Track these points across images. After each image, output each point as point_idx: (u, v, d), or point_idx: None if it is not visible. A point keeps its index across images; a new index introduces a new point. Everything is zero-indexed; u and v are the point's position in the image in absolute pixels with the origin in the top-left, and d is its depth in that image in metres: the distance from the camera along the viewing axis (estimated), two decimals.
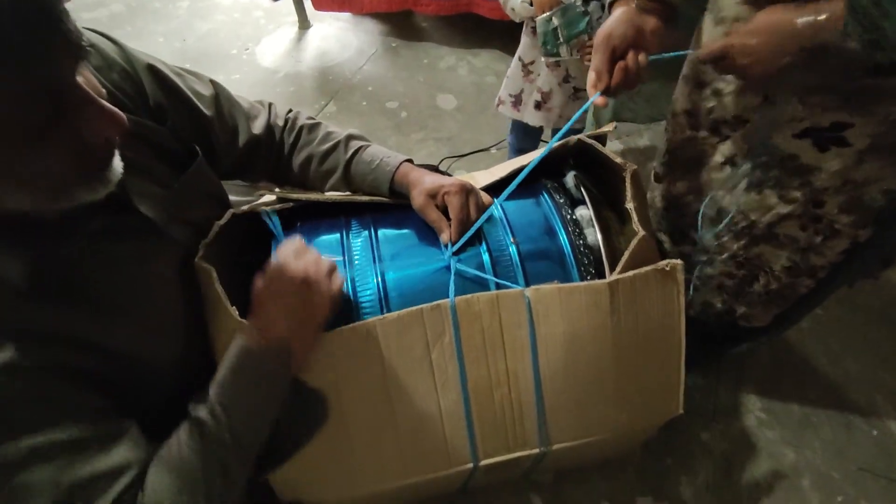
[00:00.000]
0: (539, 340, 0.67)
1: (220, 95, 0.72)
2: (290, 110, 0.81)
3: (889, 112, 0.62)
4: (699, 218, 0.84)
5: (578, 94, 1.27)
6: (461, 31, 2.18)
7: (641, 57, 0.68)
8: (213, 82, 0.73)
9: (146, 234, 0.58)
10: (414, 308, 0.64)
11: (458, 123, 1.89)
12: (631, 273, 0.66)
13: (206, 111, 0.68)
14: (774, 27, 0.57)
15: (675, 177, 0.90)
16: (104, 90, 0.47)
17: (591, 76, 0.71)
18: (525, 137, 1.49)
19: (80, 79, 0.42)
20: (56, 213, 0.48)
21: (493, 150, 1.77)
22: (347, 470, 0.67)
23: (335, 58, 2.17)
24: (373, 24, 2.29)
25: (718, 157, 0.80)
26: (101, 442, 0.50)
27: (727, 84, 0.74)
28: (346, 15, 2.28)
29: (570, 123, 0.75)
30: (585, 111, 0.82)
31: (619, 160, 0.73)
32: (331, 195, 0.76)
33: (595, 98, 0.70)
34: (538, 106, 1.33)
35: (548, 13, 1.08)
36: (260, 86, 2.05)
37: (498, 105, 1.40)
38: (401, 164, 0.74)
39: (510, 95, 1.35)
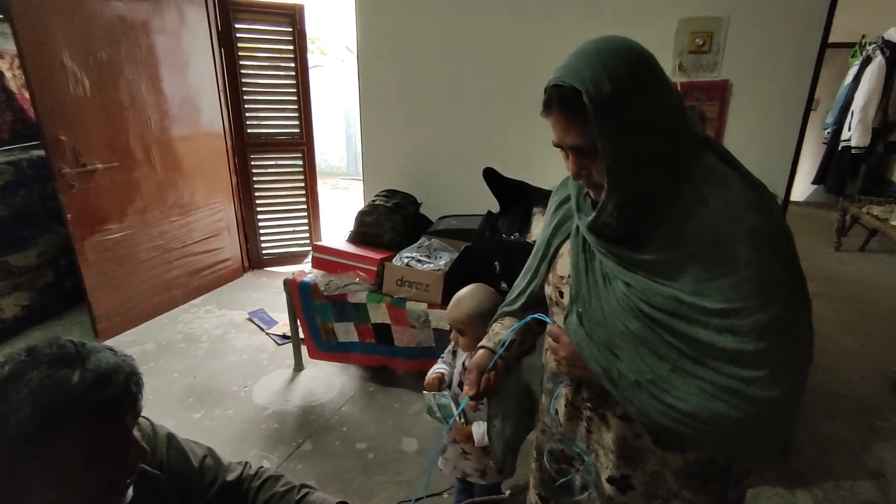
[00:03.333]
0: None
1: (208, 455, 1.04)
2: (262, 466, 1.10)
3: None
4: None
5: (466, 455, 1.61)
6: None
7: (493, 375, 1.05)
8: (209, 448, 1.06)
9: None
10: None
11: (419, 467, 2.11)
12: None
13: (194, 462, 1.00)
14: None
15: None
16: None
17: (466, 388, 1.05)
18: (460, 492, 1.73)
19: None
20: None
21: (444, 496, 1.94)
22: None
23: (319, 398, 2.53)
24: (356, 371, 2.75)
25: None
26: None
27: None
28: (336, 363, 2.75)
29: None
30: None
31: None
32: None
33: (467, 399, 1.04)
34: (441, 453, 1.67)
35: (427, 394, 1.48)
36: (249, 422, 2.35)
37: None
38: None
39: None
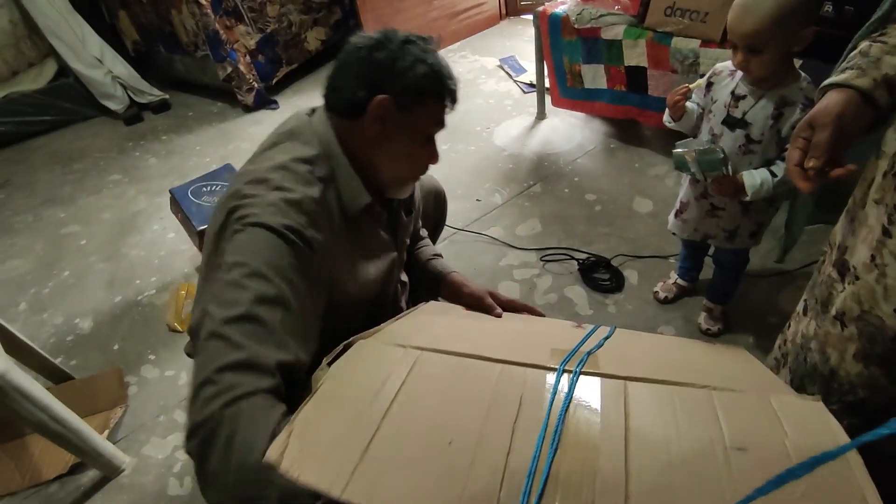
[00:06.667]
0: None
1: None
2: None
3: None
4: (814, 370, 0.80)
5: (716, 211, 1.28)
6: None
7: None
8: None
9: (388, 241, 0.98)
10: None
11: (647, 228, 1.95)
12: None
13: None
14: None
15: (810, 316, 0.85)
16: None
17: (797, 155, 0.63)
18: (687, 252, 1.54)
19: None
20: (382, 191, 0.91)
21: (671, 260, 1.79)
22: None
23: (556, 147, 2.45)
24: (600, 125, 2.52)
25: (833, 311, 0.74)
26: (290, 331, 0.66)
27: (864, 226, 0.69)
28: (579, 113, 2.55)
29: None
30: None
31: None
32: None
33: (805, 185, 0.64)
34: (677, 214, 1.37)
35: (681, 149, 1.14)
36: (487, 159, 2.45)
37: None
38: (452, 272, 1.09)
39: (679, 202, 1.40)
